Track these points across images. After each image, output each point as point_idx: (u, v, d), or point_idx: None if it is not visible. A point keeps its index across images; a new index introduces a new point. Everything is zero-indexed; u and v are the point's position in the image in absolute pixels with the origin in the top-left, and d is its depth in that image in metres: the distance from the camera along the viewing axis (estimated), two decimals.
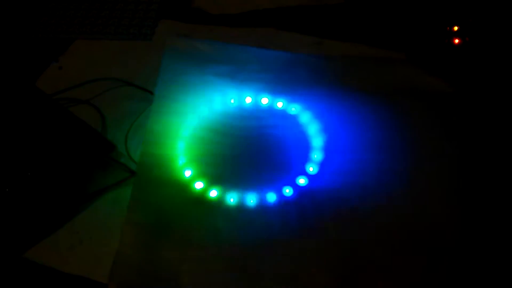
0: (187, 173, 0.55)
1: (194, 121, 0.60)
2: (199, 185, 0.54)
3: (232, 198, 0.52)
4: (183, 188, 0.54)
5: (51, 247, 0.50)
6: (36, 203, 0.50)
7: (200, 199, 0.53)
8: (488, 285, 0.46)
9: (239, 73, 0.65)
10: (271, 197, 0.52)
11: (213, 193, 0.53)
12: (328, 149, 0.57)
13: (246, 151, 0.57)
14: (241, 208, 0.52)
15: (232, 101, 0.62)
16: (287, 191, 0.53)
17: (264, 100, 0.62)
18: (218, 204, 0.52)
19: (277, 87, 0.63)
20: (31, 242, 0.50)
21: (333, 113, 0.61)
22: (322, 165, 0.56)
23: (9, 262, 0.49)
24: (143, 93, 0.64)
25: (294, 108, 0.62)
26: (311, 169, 0.55)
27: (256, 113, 0.62)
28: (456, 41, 0.67)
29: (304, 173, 0.55)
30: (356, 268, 0.48)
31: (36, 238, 0.50)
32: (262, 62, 0.66)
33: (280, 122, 0.60)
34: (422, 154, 0.56)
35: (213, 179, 0.54)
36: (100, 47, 0.74)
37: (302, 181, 0.54)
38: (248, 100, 0.63)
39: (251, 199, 0.52)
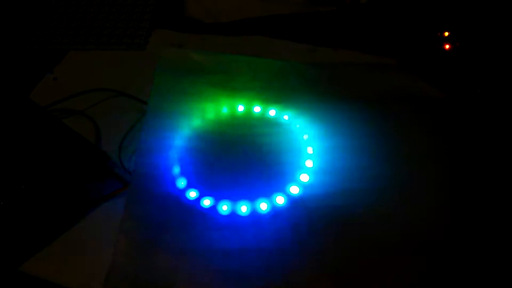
0: (181, 183, 0.55)
1: (187, 130, 0.61)
2: (192, 194, 0.54)
3: (225, 207, 0.53)
4: (176, 197, 0.54)
5: (45, 259, 0.50)
6: (30, 216, 0.51)
7: (194, 209, 0.53)
8: (485, 286, 0.47)
9: (231, 82, 0.65)
10: (264, 206, 0.53)
11: (207, 202, 0.53)
12: (321, 157, 0.57)
13: (239, 160, 0.58)
14: (234, 217, 0.52)
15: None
16: (280, 199, 0.53)
17: (257, 109, 0.63)
18: (211, 213, 0.53)
19: (269, 95, 0.64)
20: (25, 255, 0.50)
21: (326, 121, 0.61)
22: (315, 173, 0.56)
23: (4, 275, 0.49)
24: (136, 103, 0.65)
25: (286, 116, 0.62)
26: (304, 177, 0.55)
27: (249, 121, 0.62)
28: (447, 46, 0.67)
29: (296, 181, 0.55)
30: (351, 276, 0.48)
31: (30, 250, 0.50)
32: (255, 71, 0.67)
33: (272, 131, 0.61)
34: (414, 159, 0.57)
35: (207, 189, 0.55)
36: (94, 58, 0.75)
37: (294, 189, 0.54)
38: (241, 108, 0.63)
39: (244, 208, 0.53)
